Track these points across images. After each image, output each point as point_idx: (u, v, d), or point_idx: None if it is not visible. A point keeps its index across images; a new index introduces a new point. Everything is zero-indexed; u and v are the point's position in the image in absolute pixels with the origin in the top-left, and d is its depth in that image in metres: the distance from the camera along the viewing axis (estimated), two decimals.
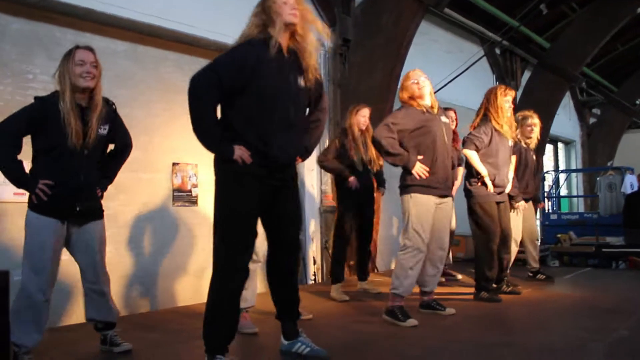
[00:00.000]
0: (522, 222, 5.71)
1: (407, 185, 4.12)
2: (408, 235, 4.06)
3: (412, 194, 4.08)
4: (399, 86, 4.31)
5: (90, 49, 3.23)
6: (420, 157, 4.05)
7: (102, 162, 3.40)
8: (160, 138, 5.84)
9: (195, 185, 6.16)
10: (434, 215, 4.11)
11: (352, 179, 5.12)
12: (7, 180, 3.18)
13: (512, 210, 5.44)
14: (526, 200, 5.79)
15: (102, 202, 3.41)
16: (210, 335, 2.87)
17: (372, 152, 5.19)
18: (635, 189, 10.84)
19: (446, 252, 4.39)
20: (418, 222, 4.04)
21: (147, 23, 5.44)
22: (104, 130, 3.27)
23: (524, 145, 5.80)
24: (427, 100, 4.17)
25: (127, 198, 5.50)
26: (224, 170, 2.87)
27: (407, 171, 4.11)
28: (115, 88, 5.38)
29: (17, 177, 3.15)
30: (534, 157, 5.97)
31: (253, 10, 2.99)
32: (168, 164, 5.93)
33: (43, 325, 3.15)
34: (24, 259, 3.12)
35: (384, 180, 5.69)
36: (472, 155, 4.86)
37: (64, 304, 4.79)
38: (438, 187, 4.10)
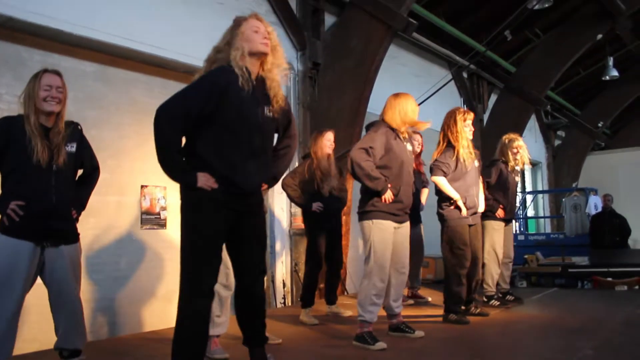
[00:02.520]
0: (502, 242, 5.78)
1: (369, 211, 4.13)
2: (370, 262, 4.08)
3: (374, 220, 4.09)
4: (389, 106, 4.24)
5: (57, 73, 3.23)
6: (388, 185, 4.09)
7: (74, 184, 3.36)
8: (130, 160, 5.79)
9: (163, 208, 6.11)
10: (394, 239, 4.14)
11: (315, 204, 5.13)
12: None
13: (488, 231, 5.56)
14: (507, 222, 5.87)
15: (76, 225, 3.36)
16: (179, 355, 2.82)
17: (337, 176, 5.22)
18: (600, 209, 11.10)
19: (407, 275, 4.40)
20: (380, 249, 4.06)
21: (117, 44, 5.43)
22: (71, 148, 3.26)
23: (509, 168, 5.86)
24: (403, 127, 4.22)
25: (94, 221, 5.41)
26: (189, 196, 2.86)
27: (370, 196, 4.11)
28: (84, 109, 5.34)
29: None
30: (517, 179, 6.06)
31: (223, 34, 2.99)
32: (137, 187, 5.88)
33: (9, 353, 3.07)
34: None
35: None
36: (441, 182, 4.92)
37: (26, 330, 4.67)
38: (399, 214, 4.14)
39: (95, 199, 5.44)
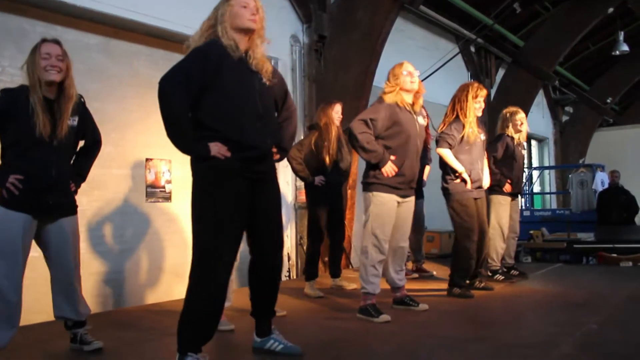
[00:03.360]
0: (508, 217, 5.77)
1: (370, 182, 4.12)
2: (368, 234, 4.08)
3: (374, 192, 4.09)
4: (388, 77, 4.22)
5: (56, 42, 3.18)
6: (392, 157, 4.05)
7: (74, 158, 3.35)
8: (134, 133, 5.77)
9: (169, 182, 6.10)
10: (397, 212, 4.12)
11: (318, 178, 5.11)
12: None
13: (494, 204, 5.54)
14: (514, 196, 5.85)
15: (75, 198, 3.35)
16: (186, 333, 2.79)
17: (344, 149, 5.19)
18: (606, 186, 11.05)
19: (406, 247, 4.39)
20: (377, 222, 4.05)
21: (120, 16, 5.37)
22: (73, 121, 3.22)
23: (516, 141, 5.84)
24: (409, 98, 4.16)
25: (99, 194, 5.42)
26: (202, 169, 2.82)
27: (373, 168, 4.10)
28: (87, 82, 5.30)
29: None
30: (523, 152, 6.03)
31: (213, 9, 2.97)
32: (141, 160, 5.86)
33: (17, 321, 3.10)
34: None
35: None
36: (446, 154, 4.88)
37: (33, 301, 4.70)
38: (401, 188, 4.10)
39: (99, 172, 5.45)
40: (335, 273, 5.54)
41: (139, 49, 5.91)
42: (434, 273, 6.21)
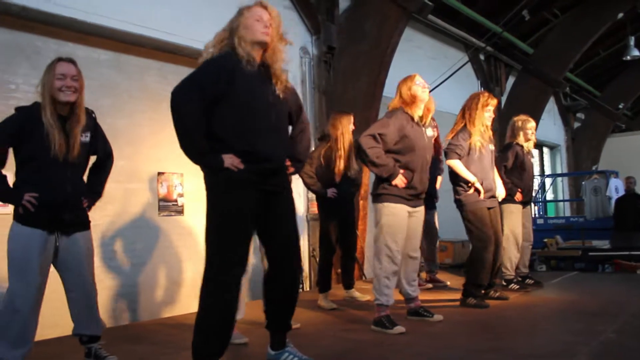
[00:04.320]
0: (521, 225, 5.74)
1: (380, 194, 4.10)
2: (380, 245, 4.06)
3: (385, 203, 4.07)
4: (399, 90, 4.20)
5: (71, 61, 3.20)
6: (401, 170, 4.04)
7: (88, 174, 3.37)
8: (146, 148, 5.80)
9: (181, 195, 6.12)
10: (408, 223, 4.11)
11: (330, 190, 5.11)
12: None
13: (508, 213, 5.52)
14: (524, 204, 5.82)
15: (87, 213, 3.37)
16: (201, 346, 2.80)
17: (352, 159, 5.16)
18: (620, 192, 10.94)
19: (418, 258, 4.37)
20: (389, 232, 4.03)
21: (129, 32, 5.43)
22: (85, 137, 3.24)
23: (526, 150, 5.82)
24: (419, 110, 4.16)
25: (112, 208, 5.45)
26: (216, 180, 2.83)
27: (383, 179, 4.08)
28: (99, 98, 5.36)
29: (1, 192, 3.13)
30: (532, 161, 6.00)
31: (228, 22, 3.00)
32: (153, 174, 5.89)
33: (31, 339, 3.10)
34: (9, 272, 3.07)
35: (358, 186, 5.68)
36: (457, 165, 4.86)
37: (46, 316, 4.72)
38: (411, 199, 4.10)
39: (112, 186, 5.45)
40: (348, 284, 5.51)
41: (149, 63, 5.97)
42: (448, 283, 6.16)
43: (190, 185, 6.17)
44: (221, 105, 2.80)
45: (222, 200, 2.81)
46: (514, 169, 5.69)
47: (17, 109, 3.22)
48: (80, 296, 3.25)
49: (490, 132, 5.10)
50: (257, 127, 2.84)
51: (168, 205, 6.01)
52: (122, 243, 5.56)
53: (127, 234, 5.60)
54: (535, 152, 15.28)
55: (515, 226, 5.66)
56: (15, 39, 4.97)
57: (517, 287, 5.63)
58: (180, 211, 6.12)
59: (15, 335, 3.02)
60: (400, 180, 4.00)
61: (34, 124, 3.07)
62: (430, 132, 4.27)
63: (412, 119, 4.12)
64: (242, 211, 2.79)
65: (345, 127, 5.16)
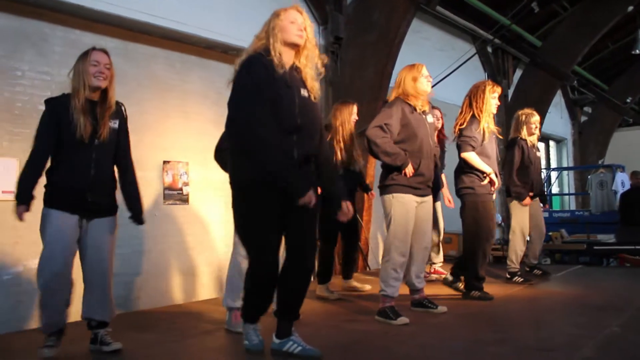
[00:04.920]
0: (528, 219, 5.74)
1: (389, 185, 4.10)
2: (390, 236, 4.07)
3: (394, 194, 4.07)
4: (401, 79, 4.19)
5: (104, 51, 3.37)
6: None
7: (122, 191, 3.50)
8: (151, 136, 5.80)
9: (186, 184, 6.13)
10: (416, 214, 4.11)
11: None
12: None
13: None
14: (533, 197, 5.81)
15: (115, 199, 3.45)
16: (245, 309, 3.15)
17: (357, 151, 5.13)
18: (626, 186, 10.90)
19: (429, 250, 4.37)
20: (400, 223, 4.04)
21: (137, 20, 5.41)
22: (114, 124, 3.38)
23: (529, 144, 5.81)
24: (421, 102, 4.14)
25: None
26: (242, 183, 2.99)
27: (390, 171, 4.08)
28: None
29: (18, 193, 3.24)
30: (538, 154, 5.98)
31: (264, 23, 3.11)
32: (159, 162, 5.89)
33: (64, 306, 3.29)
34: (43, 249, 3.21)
35: (367, 185, 5.69)
36: (472, 157, 4.82)
37: None
38: (420, 187, 4.10)
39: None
40: (347, 274, 5.49)
41: (156, 52, 5.95)
42: (450, 278, 6.14)
43: (195, 174, 6.17)
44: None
45: (247, 195, 2.97)
46: (521, 165, 5.70)
47: (46, 101, 3.34)
48: (97, 280, 3.33)
49: (493, 122, 5.06)
50: (282, 127, 2.90)
51: (173, 194, 6.01)
52: (127, 231, 5.54)
53: (131, 222, 5.59)
54: (542, 146, 15.23)
55: (522, 219, 5.67)
56: (22, 26, 4.96)
57: (521, 279, 5.63)
58: (185, 200, 6.12)
59: (54, 312, 3.22)
60: (410, 169, 4.01)
61: (62, 112, 3.22)
62: (430, 118, 4.25)
63: (411, 107, 4.10)
64: (264, 207, 2.94)
65: (346, 117, 5.11)
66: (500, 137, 5.22)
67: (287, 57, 3.03)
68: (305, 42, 3.05)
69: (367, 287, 5.34)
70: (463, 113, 4.96)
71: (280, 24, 3.00)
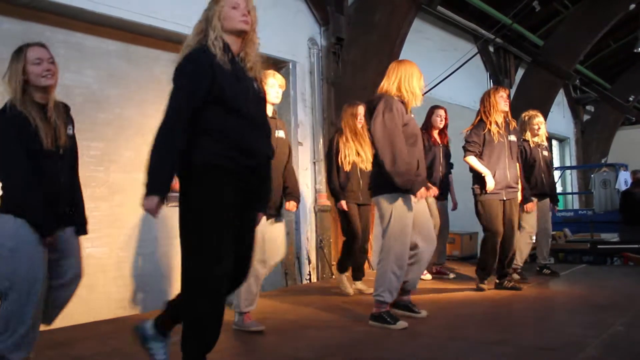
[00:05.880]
0: (536, 218, 5.78)
1: (384, 185, 3.86)
2: (390, 239, 3.85)
3: (392, 194, 3.84)
4: (399, 77, 4.05)
5: (42, 45, 3.01)
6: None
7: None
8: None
9: None
10: (415, 210, 3.92)
11: (340, 203, 5.13)
12: None
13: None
14: (537, 197, 5.82)
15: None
16: (191, 349, 2.60)
17: (363, 149, 5.15)
18: (630, 185, 10.88)
19: (434, 246, 4.25)
20: (399, 225, 3.84)
21: (138, 22, 5.42)
22: (70, 130, 3.07)
23: (532, 144, 5.86)
24: (412, 102, 4.02)
25: (121, 199, 5.46)
26: (197, 170, 2.65)
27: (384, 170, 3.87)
28: (108, 88, 5.37)
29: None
30: (545, 153, 6.02)
31: (202, 12, 2.81)
32: None
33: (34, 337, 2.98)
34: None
35: None
36: (471, 161, 5.06)
37: None
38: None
39: (120, 176, 5.49)
40: (357, 276, 5.51)
41: (158, 54, 5.96)
42: (451, 276, 6.15)
43: None
44: (206, 106, 2.59)
45: (207, 193, 2.63)
46: (524, 165, 5.74)
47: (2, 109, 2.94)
48: (59, 289, 3.06)
49: (513, 122, 5.16)
50: (239, 123, 2.61)
51: (176, 196, 5.99)
52: (130, 233, 5.58)
53: (135, 225, 5.61)
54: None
55: (528, 218, 5.68)
56: (24, 29, 4.97)
57: (518, 277, 5.66)
58: None
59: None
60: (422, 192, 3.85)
61: (19, 123, 2.85)
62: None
63: (407, 109, 4.00)
64: (225, 202, 2.59)
65: (348, 117, 5.22)
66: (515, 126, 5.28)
67: (233, 47, 2.67)
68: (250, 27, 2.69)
69: (372, 289, 5.31)
70: (474, 120, 5.18)
71: (222, 11, 2.66)
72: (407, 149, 3.88)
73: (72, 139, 3.09)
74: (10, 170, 2.86)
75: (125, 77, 5.67)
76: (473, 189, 5.11)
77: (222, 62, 2.59)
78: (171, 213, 5.95)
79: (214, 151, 2.58)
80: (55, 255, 3.02)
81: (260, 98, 2.76)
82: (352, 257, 5.31)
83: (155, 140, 2.60)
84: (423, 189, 3.82)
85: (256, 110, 2.70)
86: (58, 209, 2.98)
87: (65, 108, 3.10)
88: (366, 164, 5.11)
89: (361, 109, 5.21)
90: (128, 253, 5.54)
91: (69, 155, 3.06)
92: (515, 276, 5.62)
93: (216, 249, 2.54)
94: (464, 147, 5.14)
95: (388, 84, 4.05)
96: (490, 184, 4.90)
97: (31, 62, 2.90)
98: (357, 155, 5.15)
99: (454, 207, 6.29)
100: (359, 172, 5.16)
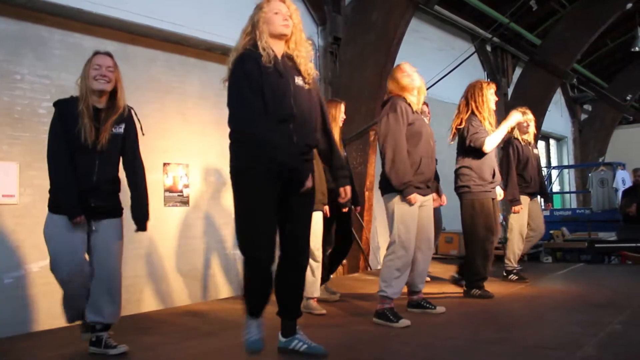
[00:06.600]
0: (527, 217, 5.74)
1: (389, 184, 3.97)
2: (394, 236, 3.97)
3: (395, 193, 3.95)
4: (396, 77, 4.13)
5: (108, 54, 3.38)
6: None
7: (126, 174, 3.50)
8: (151, 138, 5.75)
9: (186, 186, 6.13)
10: (419, 214, 4.04)
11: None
12: None
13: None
14: (531, 195, 5.81)
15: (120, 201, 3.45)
16: (246, 302, 3.07)
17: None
18: (627, 184, 10.89)
19: (432, 250, 4.32)
20: (404, 222, 3.94)
21: (136, 22, 5.42)
22: (119, 129, 3.36)
23: (522, 142, 5.83)
24: (414, 97, 4.09)
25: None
26: (239, 165, 2.97)
27: None
28: None
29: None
30: (535, 152, 5.99)
31: (249, 17, 3.08)
32: (159, 165, 5.89)
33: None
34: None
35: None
36: (491, 142, 4.79)
37: (52, 306, 4.74)
38: (422, 187, 4.04)
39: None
40: (325, 277, 5.33)
41: (155, 54, 5.96)
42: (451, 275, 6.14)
43: (195, 176, 6.17)
44: None
45: (243, 185, 2.95)
46: (517, 164, 5.72)
47: (55, 103, 3.33)
48: (105, 282, 3.32)
49: (494, 119, 5.06)
50: (276, 118, 2.89)
51: (173, 196, 6.01)
52: (128, 234, 5.54)
53: (132, 225, 5.58)
54: (542, 144, 15.22)
55: (520, 218, 5.66)
56: (21, 30, 4.97)
57: (516, 277, 5.64)
58: (185, 202, 6.12)
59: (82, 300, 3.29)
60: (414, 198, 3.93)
61: (69, 115, 3.22)
62: (425, 120, 4.24)
63: (412, 106, 4.06)
64: (259, 196, 2.91)
65: (333, 117, 5.06)
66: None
67: (277, 48, 3.00)
68: (292, 29, 3.03)
69: (335, 297, 5.18)
70: (460, 113, 4.96)
71: (265, 17, 2.98)
72: (410, 148, 3.97)
73: (120, 137, 3.37)
74: (51, 166, 3.24)
75: (123, 78, 5.61)
76: (468, 184, 4.86)
77: (265, 61, 2.90)
78: (169, 214, 6.00)
79: (244, 155, 2.93)
80: (89, 248, 3.32)
81: (303, 93, 3.01)
82: (331, 264, 5.20)
83: (246, 135, 2.92)
84: (413, 195, 3.89)
85: (298, 103, 2.96)
86: (90, 201, 3.25)
87: (126, 110, 3.41)
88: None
89: (343, 106, 5.10)
90: (126, 253, 5.47)
91: (111, 154, 3.35)
92: (513, 277, 5.62)
93: (254, 238, 2.93)
94: (472, 139, 4.79)
95: (391, 86, 4.17)
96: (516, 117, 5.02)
97: (92, 67, 3.28)
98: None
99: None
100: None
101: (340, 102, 5.14)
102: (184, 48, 6.09)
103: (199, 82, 6.30)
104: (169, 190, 5.96)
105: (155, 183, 5.85)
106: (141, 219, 3.47)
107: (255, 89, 2.87)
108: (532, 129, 5.91)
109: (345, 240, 5.26)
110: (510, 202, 5.65)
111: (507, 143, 5.82)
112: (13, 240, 4.65)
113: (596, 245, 8.00)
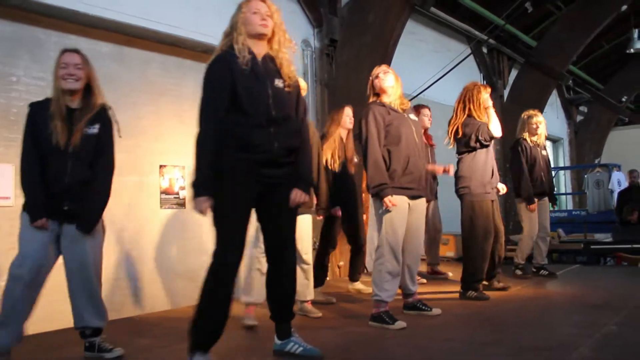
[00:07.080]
0: (537, 218, 5.82)
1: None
2: (382, 240, 3.95)
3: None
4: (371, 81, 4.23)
5: (75, 51, 3.27)
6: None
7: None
8: (147, 140, 5.78)
9: (183, 188, 6.11)
10: (409, 216, 4.02)
11: (334, 210, 5.07)
12: None
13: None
14: (538, 196, 5.85)
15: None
16: (194, 332, 2.85)
17: (349, 151, 5.14)
18: (623, 185, 10.93)
19: (421, 254, 4.34)
20: (392, 225, 3.93)
21: (132, 24, 5.40)
22: (93, 129, 3.23)
23: (530, 144, 5.90)
24: (391, 97, 4.08)
25: (113, 201, 5.35)
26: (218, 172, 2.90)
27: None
28: None
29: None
30: (544, 153, 6.04)
31: (230, 18, 3.06)
32: (155, 167, 5.88)
33: (19, 322, 3.13)
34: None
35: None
36: (493, 126, 4.81)
37: (43, 310, 4.73)
38: (411, 187, 4.01)
39: (114, 179, 5.45)
40: (354, 277, 5.50)
41: (151, 56, 5.94)
42: (451, 274, 6.16)
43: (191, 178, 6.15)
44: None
45: (220, 186, 2.87)
46: (525, 164, 5.78)
47: (30, 104, 3.28)
48: (81, 285, 3.24)
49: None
50: (253, 119, 2.86)
51: (170, 198, 6.00)
52: (124, 236, 5.55)
53: (128, 227, 5.59)
54: None
55: (531, 220, 5.72)
56: (17, 31, 4.95)
57: (520, 273, 5.70)
58: (182, 204, 6.11)
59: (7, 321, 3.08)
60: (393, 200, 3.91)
61: (39, 116, 3.15)
62: (412, 116, 4.19)
63: (389, 108, 4.05)
64: (235, 198, 2.86)
65: (338, 121, 5.15)
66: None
67: (258, 48, 2.96)
68: (273, 29, 2.99)
69: (370, 289, 5.28)
70: (457, 117, 4.97)
71: (243, 17, 2.95)
72: (392, 149, 3.96)
73: (94, 137, 3.23)
74: (22, 168, 3.17)
75: (119, 79, 5.64)
76: (467, 186, 4.88)
77: (241, 63, 2.86)
78: (165, 216, 5.98)
79: (224, 157, 2.86)
80: (63, 252, 3.24)
81: (283, 95, 2.97)
82: (326, 267, 5.27)
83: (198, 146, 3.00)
84: (387, 198, 3.86)
85: (278, 105, 2.92)
86: (62, 205, 3.16)
87: (102, 109, 3.29)
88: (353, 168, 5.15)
89: (349, 110, 5.17)
90: (122, 256, 5.52)
91: (84, 155, 3.21)
92: (518, 272, 5.68)
93: (226, 238, 2.86)
94: (477, 140, 4.81)
95: (368, 92, 4.24)
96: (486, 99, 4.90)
97: (59, 66, 3.19)
98: (344, 158, 5.12)
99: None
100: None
101: (343, 107, 5.21)
102: (180, 50, 6.07)
103: (195, 84, 6.27)
104: (165, 192, 5.95)
105: (152, 185, 5.84)
106: (86, 219, 3.24)
107: (221, 92, 2.86)
108: (541, 131, 5.95)
109: (353, 241, 5.32)
110: (525, 201, 5.72)
111: (516, 144, 5.88)
112: (7, 242, 4.63)
113: (592, 246, 8.03)
